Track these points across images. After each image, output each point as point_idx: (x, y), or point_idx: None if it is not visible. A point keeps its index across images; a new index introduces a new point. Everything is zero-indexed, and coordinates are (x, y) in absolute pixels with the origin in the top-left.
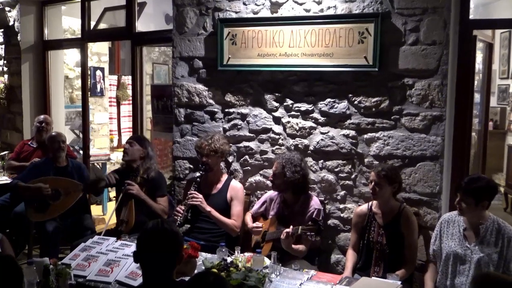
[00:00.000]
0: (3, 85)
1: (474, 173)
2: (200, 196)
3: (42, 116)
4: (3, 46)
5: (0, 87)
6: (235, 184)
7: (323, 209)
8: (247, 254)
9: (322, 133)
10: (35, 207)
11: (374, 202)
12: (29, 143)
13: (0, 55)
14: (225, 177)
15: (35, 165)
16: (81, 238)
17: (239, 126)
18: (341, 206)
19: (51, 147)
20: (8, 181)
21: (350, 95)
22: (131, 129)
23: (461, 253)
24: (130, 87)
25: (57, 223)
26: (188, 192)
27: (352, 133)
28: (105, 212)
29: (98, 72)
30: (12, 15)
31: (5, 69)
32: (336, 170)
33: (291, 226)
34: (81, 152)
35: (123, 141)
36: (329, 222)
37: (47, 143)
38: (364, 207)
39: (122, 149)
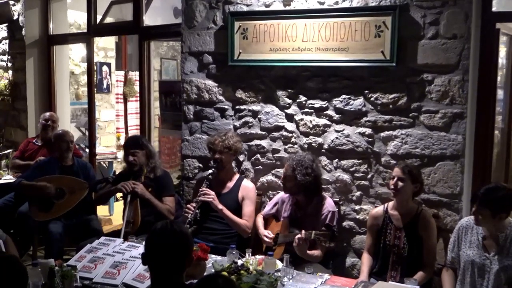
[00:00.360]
0: (7, 81)
1: (492, 182)
2: (212, 193)
3: (47, 114)
4: (7, 41)
5: (4, 83)
6: (247, 184)
7: (338, 211)
8: (258, 257)
9: (336, 131)
10: (39, 206)
11: (390, 203)
12: (33, 141)
13: (4, 50)
14: (236, 176)
15: (40, 164)
16: (89, 239)
17: (250, 124)
18: (357, 207)
19: (59, 147)
20: (13, 180)
21: (366, 91)
22: (138, 127)
23: (479, 262)
24: (137, 83)
25: (62, 223)
26: (200, 189)
27: (368, 131)
28: (111, 212)
29: (105, 68)
30: (17, 9)
31: (9, 64)
32: (351, 169)
33: (303, 231)
34: (87, 150)
35: None
36: (344, 224)
37: (54, 141)
38: (379, 209)
39: (126, 160)
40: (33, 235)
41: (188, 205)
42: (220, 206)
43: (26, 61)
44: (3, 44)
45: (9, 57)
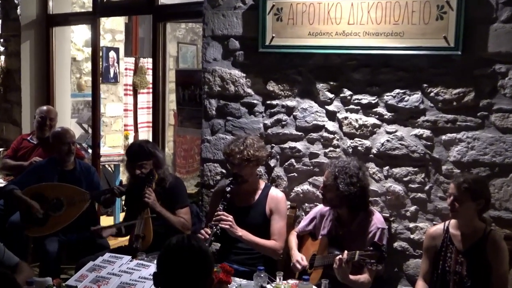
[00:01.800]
0: None
1: None
2: (230, 218)
3: (44, 108)
4: None
5: None
6: (276, 193)
7: (388, 228)
8: (291, 282)
9: (388, 132)
10: (32, 219)
11: (452, 221)
12: (28, 138)
13: None
14: (262, 184)
15: (36, 167)
16: (91, 255)
17: (283, 122)
18: (411, 225)
19: (58, 150)
20: (3, 184)
21: (425, 85)
22: (150, 124)
23: None
24: (150, 72)
25: (59, 239)
26: (215, 214)
27: (426, 133)
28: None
29: (112, 54)
30: None
31: (2, 49)
32: (405, 179)
33: (346, 252)
34: (89, 151)
35: (141, 137)
36: (395, 245)
37: (53, 143)
38: (438, 227)
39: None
40: (27, 250)
41: (202, 231)
42: (240, 233)
43: (21, 45)
44: None
45: (2, 40)
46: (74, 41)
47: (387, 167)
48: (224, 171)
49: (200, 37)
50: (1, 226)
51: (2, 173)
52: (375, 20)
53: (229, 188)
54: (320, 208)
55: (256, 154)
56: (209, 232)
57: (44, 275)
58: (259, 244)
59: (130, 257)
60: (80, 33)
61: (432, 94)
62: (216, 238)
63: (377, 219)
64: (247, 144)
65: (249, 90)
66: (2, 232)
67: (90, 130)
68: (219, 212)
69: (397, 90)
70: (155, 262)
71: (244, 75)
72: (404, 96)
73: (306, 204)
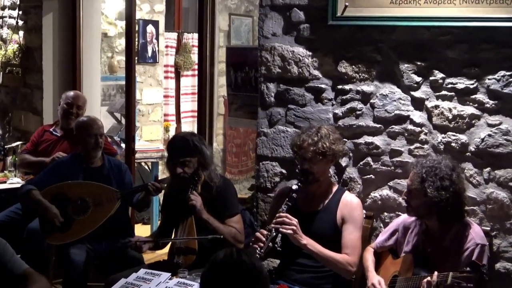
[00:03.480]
0: (17, 46)
1: None
2: (295, 221)
3: (71, 94)
4: None
5: (13, 49)
6: (350, 199)
7: (489, 245)
8: None
9: (490, 125)
10: (53, 224)
11: None
12: (50, 129)
13: (14, 3)
14: (334, 188)
15: (58, 164)
16: (123, 271)
17: (358, 112)
18: None
19: (84, 143)
20: (20, 184)
21: None
22: (195, 113)
23: None
24: (195, 50)
25: (86, 249)
26: (277, 215)
27: None
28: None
29: (150, 28)
30: None
31: (20, 23)
32: (511, 184)
33: (436, 273)
34: (122, 145)
35: (184, 129)
36: (498, 266)
37: (77, 134)
38: None
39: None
40: (48, 262)
41: (258, 234)
42: (304, 241)
43: (42, 18)
44: None
45: (20, 12)
46: (105, 13)
47: (488, 169)
48: (284, 171)
49: (257, 7)
50: (19, 234)
51: (20, 171)
52: None
53: (297, 186)
54: (404, 218)
55: (332, 147)
56: (267, 235)
57: None
58: (327, 257)
59: (170, 274)
60: (112, 3)
61: None
62: (274, 250)
63: (476, 233)
64: (321, 134)
65: (316, 72)
66: (20, 241)
67: (123, 121)
68: (282, 214)
69: (502, 72)
70: (199, 280)
71: (310, 53)
72: (511, 79)
73: (386, 214)
